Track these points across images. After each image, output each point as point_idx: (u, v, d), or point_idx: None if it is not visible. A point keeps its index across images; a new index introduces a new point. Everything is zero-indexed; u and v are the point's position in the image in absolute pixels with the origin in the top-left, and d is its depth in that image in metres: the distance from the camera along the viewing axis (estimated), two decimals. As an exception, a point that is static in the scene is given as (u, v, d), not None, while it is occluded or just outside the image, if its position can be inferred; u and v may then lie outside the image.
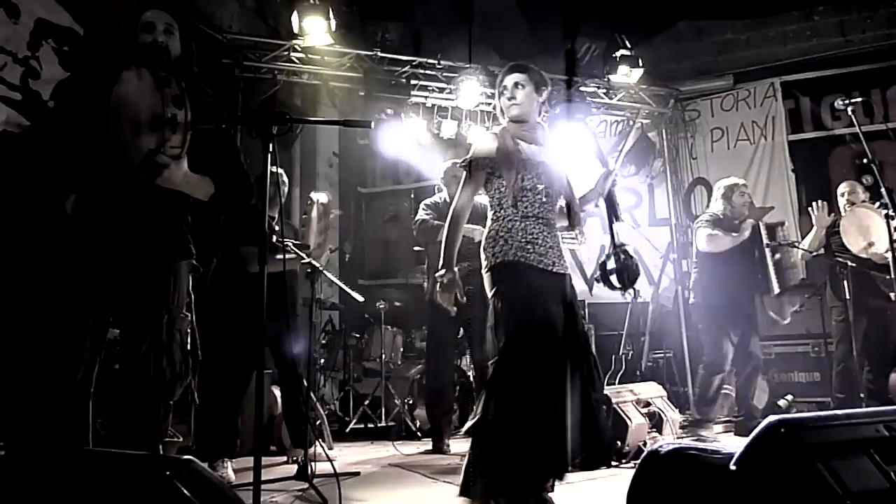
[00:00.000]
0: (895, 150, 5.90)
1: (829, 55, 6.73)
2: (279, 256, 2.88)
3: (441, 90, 6.10)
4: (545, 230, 2.57)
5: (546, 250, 2.53)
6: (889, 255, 3.62)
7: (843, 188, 4.82)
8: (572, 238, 3.01)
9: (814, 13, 6.89)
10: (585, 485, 2.97)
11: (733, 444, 1.68)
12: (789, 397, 5.43)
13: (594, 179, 2.83)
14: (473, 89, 5.94)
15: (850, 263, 4.40)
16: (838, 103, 3.90)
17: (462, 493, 2.37)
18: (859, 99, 3.85)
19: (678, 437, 4.08)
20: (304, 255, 3.43)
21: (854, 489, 1.22)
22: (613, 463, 3.50)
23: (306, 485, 2.99)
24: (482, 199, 2.74)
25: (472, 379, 4.87)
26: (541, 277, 2.48)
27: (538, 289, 2.45)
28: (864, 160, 3.62)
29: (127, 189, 2.13)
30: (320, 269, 3.53)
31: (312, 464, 3.05)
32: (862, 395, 4.41)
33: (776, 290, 4.61)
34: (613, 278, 2.71)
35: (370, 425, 5.56)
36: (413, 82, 5.97)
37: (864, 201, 4.65)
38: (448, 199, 4.31)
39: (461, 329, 4.47)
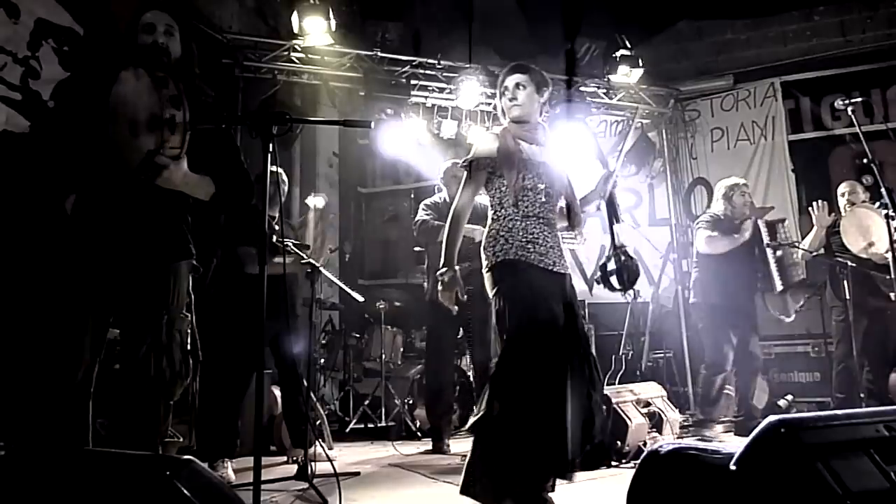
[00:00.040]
0: (895, 150, 5.90)
1: (829, 55, 6.73)
2: (277, 260, 2.89)
3: (441, 90, 6.10)
4: (546, 230, 2.57)
5: (547, 250, 2.53)
6: (889, 255, 3.62)
7: (843, 188, 4.82)
8: (572, 238, 3.01)
9: (814, 13, 6.90)
10: (585, 485, 2.97)
11: (733, 444, 1.68)
12: (789, 397, 5.44)
13: (595, 180, 2.83)
14: (473, 89, 5.94)
15: (850, 263, 4.40)
16: (838, 103, 3.90)
17: (463, 492, 2.37)
18: (859, 99, 3.85)
19: (678, 437, 4.08)
20: (304, 255, 3.43)
21: (854, 489, 1.22)
22: (613, 463, 3.51)
23: (306, 485, 2.99)
24: (482, 199, 2.75)
25: (472, 379, 4.86)
26: (542, 276, 2.49)
27: (539, 287, 2.45)
28: (864, 160, 3.62)
29: (127, 189, 2.13)
30: (320, 269, 3.53)
31: (312, 464, 3.06)
32: (862, 395, 4.41)
33: (779, 286, 4.60)
34: (613, 279, 2.71)
35: (370, 425, 5.56)
36: (413, 82, 5.97)
37: (864, 201, 4.65)
38: (448, 199, 4.31)
39: (461, 329, 4.47)
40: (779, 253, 4.62)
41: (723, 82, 7.02)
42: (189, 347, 2.49)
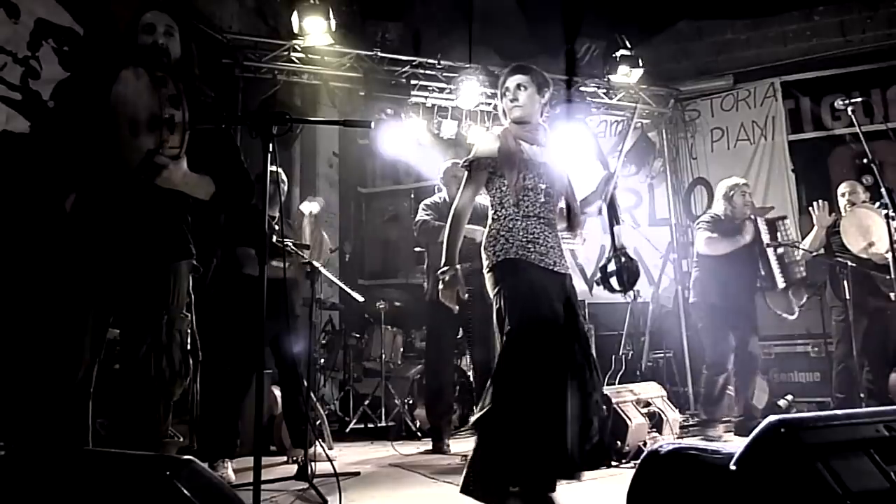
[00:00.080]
0: (895, 150, 5.90)
1: (829, 55, 6.74)
2: (275, 263, 2.88)
3: (441, 90, 6.10)
4: (546, 230, 2.57)
5: (547, 250, 2.54)
6: (889, 255, 3.62)
7: (843, 188, 4.81)
8: (571, 239, 3.01)
9: (814, 13, 6.90)
10: (585, 485, 2.96)
11: (733, 444, 1.68)
12: (789, 397, 5.44)
13: (595, 181, 2.83)
14: (473, 89, 5.94)
15: (850, 263, 4.40)
16: (838, 103, 3.90)
17: (464, 491, 2.35)
18: (859, 99, 3.85)
19: (678, 437, 4.08)
20: (304, 255, 3.43)
21: (854, 489, 1.22)
22: (613, 463, 3.50)
23: (306, 485, 2.99)
24: (483, 199, 2.75)
25: (471, 379, 4.87)
26: (542, 275, 2.49)
27: (541, 286, 2.46)
28: (864, 160, 3.62)
29: (126, 189, 2.13)
30: (320, 269, 3.52)
31: (312, 464, 3.05)
32: (862, 395, 4.41)
33: (781, 283, 4.59)
34: (613, 281, 2.71)
35: (370, 425, 5.56)
36: (413, 82, 5.97)
37: (864, 201, 4.64)
38: (448, 199, 4.31)
39: (461, 329, 4.47)
40: (780, 250, 4.62)
41: (723, 82, 7.02)
42: (189, 347, 2.49)
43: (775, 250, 4.60)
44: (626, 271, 2.71)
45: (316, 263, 3.47)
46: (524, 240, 2.51)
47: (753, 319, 4.73)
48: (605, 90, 6.56)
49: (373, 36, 7.02)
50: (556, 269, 2.54)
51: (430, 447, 4.46)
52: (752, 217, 4.66)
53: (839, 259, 4.49)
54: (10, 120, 3.67)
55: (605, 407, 3.36)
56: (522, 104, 2.66)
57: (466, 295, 2.64)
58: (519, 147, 2.61)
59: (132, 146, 2.04)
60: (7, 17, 3.72)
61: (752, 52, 7.11)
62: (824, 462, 1.25)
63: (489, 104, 6.09)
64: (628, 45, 6.18)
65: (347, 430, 5.38)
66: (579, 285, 6.41)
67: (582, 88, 6.50)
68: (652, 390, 4.19)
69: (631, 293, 5.41)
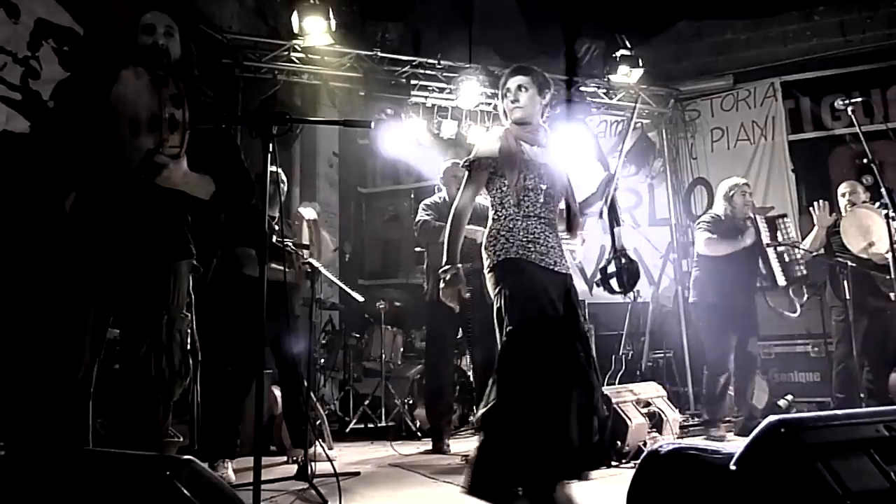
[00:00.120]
0: (895, 150, 5.90)
1: (829, 55, 6.74)
2: (274, 265, 2.88)
3: (441, 90, 6.10)
4: (547, 230, 2.58)
5: (548, 249, 2.54)
6: (889, 255, 3.63)
7: (843, 188, 4.81)
8: (570, 240, 3.01)
9: (814, 13, 6.90)
10: (585, 485, 2.97)
11: (733, 444, 1.68)
12: (789, 397, 5.43)
13: (596, 182, 2.83)
14: (473, 89, 5.95)
15: (850, 263, 4.40)
16: (838, 103, 3.90)
17: (465, 490, 2.34)
18: (859, 99, 3.85)
19: (678, 437, 4.08)
20: (304, 255, 3.43)
21: (854, 489, 1.22)
22: (613, 463, 3.51)
23: (306, 485, 2.99)
24: (483, 199, 2.75)
25: (471, 379, 4.86)
26: (543, 275, 2.49)
27: (541, 284, 2.46)
28: (864, 160, 3.62)
29: (127, 189, 2.13)
30: (320, 269, 3.52)
31: (312, 464, 3.05)
32: (862, 395, 4.41)
33: (782, 281, 4.59)
34: (613, 282, 2.72)
35: (370, 425, 5.56)
36: (413, 82, 5.98)
37: (864, 201, 4.64)
38: (448, 199, 4.31)
39: (461, 329, 4.47)
40: (780, 248, 4.62)
41: (723, 82, 7.02)
42: (189, 347, 2.49)
43: (775, 249, 4.60)
44: (626, 273, 2.71)
45: (316, 263, 3.47)
46: (525, 239, 2.51)
47: (753, 319, 4.73)
48: (605, 90, 6.56)
49: (373, 36, 7.02)
50: (556, 269, 2.55)
51: (430, 447, 4.45)
52: (753, 217, 4.66)
53: (839, 259, 4.49)
54: (10, 120, 3.67)
55: (605, 407, 3.37)
56: (523, 105, 2.66)
57: (467, 294, 2.64)
58: (520, 147, 2.61)
59: (132, 146, 2.04)
60: (7, 17, 3.72)
61: (752, 52, 7.11)
62: (824, 462, 1.25)
63: (489, 104, 6.09)
64: (628, 46, 6.19)
65: (347, 430, 5.38)
66: (579, 285, 6.40)
67: (582, 89, 6.50)
68: (652, 390, 4.19)
69: (631, 294, 5.41)
